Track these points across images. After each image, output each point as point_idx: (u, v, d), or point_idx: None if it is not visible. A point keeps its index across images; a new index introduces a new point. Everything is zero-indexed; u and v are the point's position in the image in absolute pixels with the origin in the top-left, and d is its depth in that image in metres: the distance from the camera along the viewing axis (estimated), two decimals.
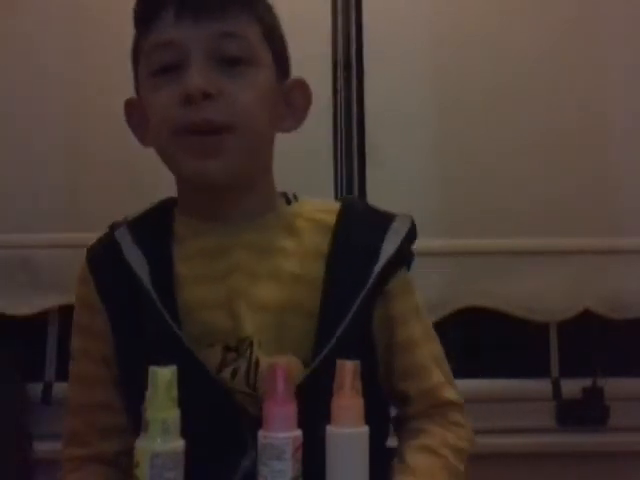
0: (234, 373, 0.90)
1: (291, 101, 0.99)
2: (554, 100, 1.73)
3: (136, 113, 0.98)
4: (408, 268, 1.00)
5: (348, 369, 0.69)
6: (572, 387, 1.71)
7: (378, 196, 1.48)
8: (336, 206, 1.00)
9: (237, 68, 0.92)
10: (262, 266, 0.94)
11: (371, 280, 0.93)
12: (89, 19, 1.70)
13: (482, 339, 1.81)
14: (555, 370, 1.74)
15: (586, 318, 1.70)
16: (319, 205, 1.02)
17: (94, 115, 1.68)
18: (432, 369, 0.97)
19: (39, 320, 1.68)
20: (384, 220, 0.98)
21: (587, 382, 1.71)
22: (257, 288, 0.93)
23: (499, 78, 1.73)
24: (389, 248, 0.95)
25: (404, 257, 0.98)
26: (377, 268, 0.93)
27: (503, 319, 1.71)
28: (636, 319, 1.71)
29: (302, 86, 1.01)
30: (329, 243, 0.95)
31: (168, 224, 0.99)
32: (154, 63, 0.93)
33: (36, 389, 1.65)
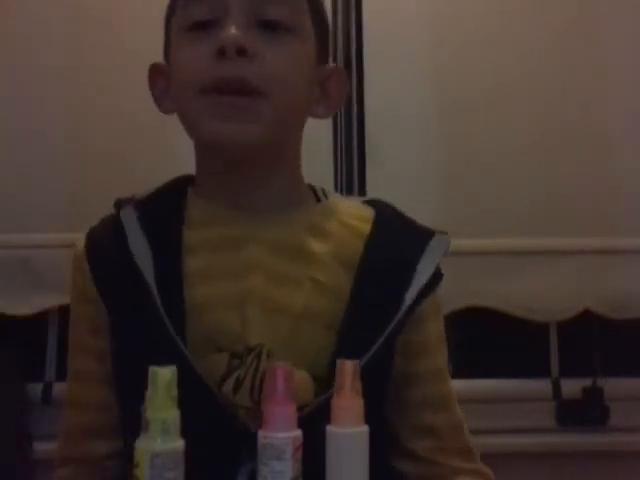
0: (237, 386, 0.82)
1: (326, 88, 0.93)
2: (554, 100, 1.73)
3: (161, 78, 0.93)
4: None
5: (348, 369, 0.68)
6: (572, 387, 1.71)
7: (378, 196, 1.47)
8: (370, 213, 0.94)
9: (277, 34, 0.86)
10: (284, 268, 0.87)
11: (406, 303, 0.86)
12: (89, 19, 1.69)
13: (482, 339, 1.81)
14: (555, 370, 1.74)
15: (586, 318, 1.70)
16: (352, 209, 0.95)
17: (94, 115, 1.67)
18: (455, 402, 0.94)
19: (39, 320, 1.67)
20: (421, 236, 0.92)
21: (587, 382, 1.71)
22: (275, 292, 0.85)
23: (499, 78, 1.73)
24: (425, 269, 0.88)
25: (438, 278, 0.91)
26: (412, 291, 0.86)
27: (503, 319, 1.71)
28: (636, 319, 1.71)
29: (340, 75, 0.95)
30: (361, 254, 0.88)
31: (181, 207, 0.91)
32: (189, 17, 0.86)
33: (36, 389, 1.65)
